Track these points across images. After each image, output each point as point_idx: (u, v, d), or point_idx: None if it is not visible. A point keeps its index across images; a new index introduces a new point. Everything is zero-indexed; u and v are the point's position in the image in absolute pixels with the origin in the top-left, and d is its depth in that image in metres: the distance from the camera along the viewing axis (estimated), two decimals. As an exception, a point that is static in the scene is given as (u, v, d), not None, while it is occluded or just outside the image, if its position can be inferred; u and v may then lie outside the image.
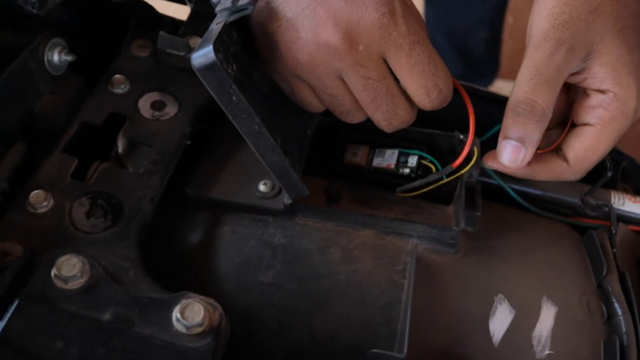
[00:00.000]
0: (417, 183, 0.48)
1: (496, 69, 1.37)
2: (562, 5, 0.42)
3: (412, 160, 0.50)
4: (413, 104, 0.43)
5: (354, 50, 0.39)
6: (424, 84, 0.41)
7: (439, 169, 0.50)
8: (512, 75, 0.70)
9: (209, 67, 0.37)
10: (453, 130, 0.51)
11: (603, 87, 0.42)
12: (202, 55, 0.36)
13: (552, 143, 0.47)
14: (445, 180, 0.48)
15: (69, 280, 0.37)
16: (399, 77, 0.41)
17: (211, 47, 0.36)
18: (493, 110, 0.57)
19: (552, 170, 0.46)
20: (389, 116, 0.43)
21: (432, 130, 0.51)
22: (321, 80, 0.42)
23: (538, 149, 0.44)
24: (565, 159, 0.45)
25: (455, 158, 0.51)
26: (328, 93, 0.42)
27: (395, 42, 0.39)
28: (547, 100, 0.42)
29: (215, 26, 0.38)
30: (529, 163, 0.44)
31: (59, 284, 0.37)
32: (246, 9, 0.38)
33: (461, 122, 0.53)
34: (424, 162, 0.50)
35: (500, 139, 0.44)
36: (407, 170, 0.50)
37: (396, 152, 0.50)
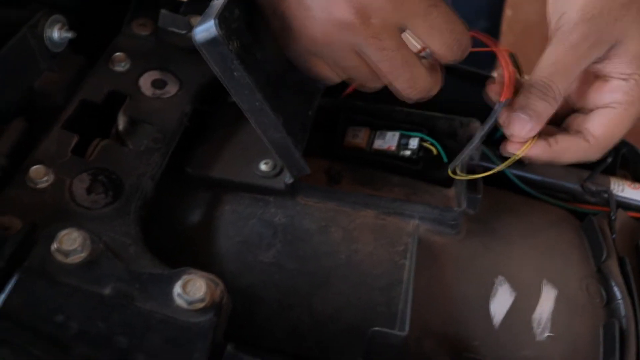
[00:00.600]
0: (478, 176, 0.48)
1: (494, 61, 1.37)
2: (596, 0, 0.43)
3: (413, 143, 0.50)
4: (433, 71, 0.43)
5: (367, 24, 0.39)
6: (445, 41, 0.41)
7: (440, 151, 0.50)
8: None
9: (211, 42, 0.36)
10: (453, 114, 0.51)
11: (622, 75, 0.45)
12: (205, 29, 0.36)
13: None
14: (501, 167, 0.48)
15: (69, 254, 0.37)
16: (421, 39, 0.41)
17: (212, 21, 0.36)
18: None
19: (575, 152, 0.47)
20: (408, 85, 0.42)
21: (433, 113, 0.51)
22: (337, 56, 0.42)
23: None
24: (586, 139, 0.47)
25: (456, 141, 0.51)
26: (345, 66, 0.42)
27: (409, 11, 0.39)
28: (561, 87, 0.44)
29: (217, 1, 0.38)
30: (551, 146, 0.46)
31: (59, 257, 0.37)
32: None
33: (461, 107, 0.53)
34: (425, 144, 0.50)
35: (512, 111, 0.45)
36: (408, 153, 0.50)
37: (397, 134, 0.50)
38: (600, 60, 0.45)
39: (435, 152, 0.50)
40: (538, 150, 0.47)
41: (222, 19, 0.37)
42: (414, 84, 0.43)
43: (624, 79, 0.45)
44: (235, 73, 0.38)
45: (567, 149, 0.47)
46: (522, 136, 0.46)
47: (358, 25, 0.39)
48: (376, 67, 0.42)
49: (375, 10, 0.39)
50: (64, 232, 0.37)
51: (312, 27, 0.40)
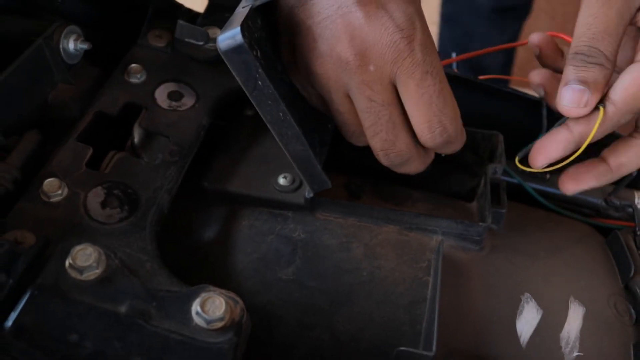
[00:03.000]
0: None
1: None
2: None
3: None
4: (417, 142, 0.41)
5: (364, 69, 0.38)
6: (429, 117, 0.39)
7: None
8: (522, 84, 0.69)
9: (235, 49, 0.35)
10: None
11: None
12: (230, 37, 0.35)
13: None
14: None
15: (84, 270, 0.36)
16: (405, 105, 0.40)
17: (239, 28, 0.35)
18: (508, 107, 0.56)
19: (598, 176, 0.44)
20: (386, 146, 0.41)
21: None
22: (330, 94, 0.41)
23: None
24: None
25: (477, 154, 0.50)
26: (336, 109, 0.42)
27: (407, 69, 0.38)
28: (608, 47, 0.39)
29: (242, 10, 0.37)
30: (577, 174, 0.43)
31: (73, 274, 0.35)
32: None
33: (483, 120, 0.52)
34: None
35: (560, 86, 0.40)
36: None
37: None
38: None
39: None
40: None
41: (246, 27, 0.36)
42: (390, 147, 0.41)
43: None
44: (259, 82, 0.37)
45: (590, 174, 0.44)
46: (582, 110, 0.39)
47: (355, 67, 0.38)
48: (361, 118, 0.41)
49: (375, 56, 0.38)
50: (78, 247, 0.36)
51: (314, 59, 0.39)
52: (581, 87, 0.39)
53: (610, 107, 0.39)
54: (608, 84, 0.39)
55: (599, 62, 0.39)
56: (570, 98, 0.39)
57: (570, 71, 0.39)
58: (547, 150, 0.42)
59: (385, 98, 0.39)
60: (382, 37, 0.38)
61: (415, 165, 0.43)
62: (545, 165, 0.42)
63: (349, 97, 0.41)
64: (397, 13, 0.38)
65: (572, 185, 0.44)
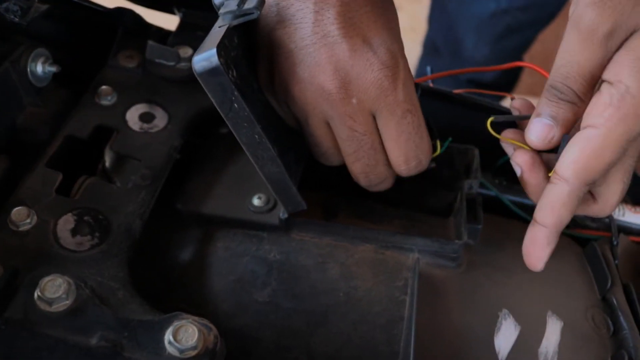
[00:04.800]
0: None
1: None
2: None
3: None
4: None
5: (346, 101, 0.39)
6: (406, 152, 0.41)
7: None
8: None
9: (211, 72, 0.35)
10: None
11: (616, 78, 0.36)
12: (205, 58, 0.34)
13: None
14: None
15: (53, 302, 0.35)
16: (384, 138, 0.41)
17: (214, 50, 0.34)
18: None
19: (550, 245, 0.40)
20: (368, 170, 0.42)
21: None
22: (307, 118, 0.41)
23: None
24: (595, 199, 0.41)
25: (452, 169, 0.50)
26: (310, 132, 0.42)
27: (389, 106, 0.39)
28: (581, 87, 0.37)
29: (218, 29, 0.36)
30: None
31: (42, 306, 0.35)
32: (252, 13, 0.36)
33: (458, 134, 0.52)
34: None
35: (532, 117, 0.39)
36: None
37: None
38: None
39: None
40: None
41: (223, 47, 0.36)
42: (371, 171, 0.42)
43: (614, 84, 0.36)
44: (235, 105, 0.36)
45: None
46: (546, 144, 0.39)
47: (337, 99, 0.39)
48: (342, 145, 0.42)
49: (358, 90, 0.38)
50: (47, 278, 0.35)
51: (293, 83, 0.39)
52: (550, 122, 0.39)
53: (564, 186, 0.37)
54: (576, 121, 0.39)
55: (571, 100, 0.38)
56: (538, 132, 0.39)
57: (543, 104, 0.39)
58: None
59: (367, 128, 0.40)
60: (367, 72, 0.38)
61: (388, 183, 0.45)
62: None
63: (326, 123, 0.41)
64: (382, 49, 0.38)
65: (536, 262, 0.41)
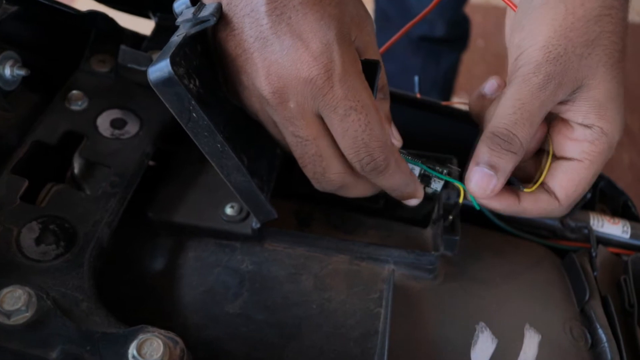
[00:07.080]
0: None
1: None
2: (559, 37, 0.39)
3: None
4: (353, 170, 0.40)
5: (284, 106, 0.37)
6: (355, 149, 0.37)
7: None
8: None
9: (166, 82, 0.34)
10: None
11: (587, 122, 0.41)
12: (159, 69, 0.34)
13: (527, 175, 0.44)
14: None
15: (12, 314, 0.34)
16: (334, 135, 0.38)
17: (168, 60, 0.33)
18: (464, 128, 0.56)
19: (544, 209, 0.43)
20: (317, 176, 0.40)
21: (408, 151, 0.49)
22: (262, 123, 0.40)
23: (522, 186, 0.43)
24: (555, 197, 0.43)
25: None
26: (272, 132, 0.41)
27: (328, 105, 0.36)
28: (526, 136, 0.40)
29: (176, 38, 0.36)
30: (520, 199, 0.43)
31: (0, 319, 0.34)
32: (208, 20, 0.36)
33: (438, 143, 0.51)
34: None
35: (471, 165, 0.41)
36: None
37: None
38: (563, 103, 0.41)
39: None
40: (504, 206, 0.43)
41: (182, 56, 0.35)
42: (320, 177, 0.40)
43: (587, 126, 0.41)
44: (193, 114, 0.35)
45: (535, 204, 0.43)
46: (487, 194, 0.41)
47: (274, 105, 0.37)
48: (290, 149, 0.39)
49: (293, 93, 0.36)
50: (6, 290, 0.34)
51: (241, 91, 0.38)
52: (490, 172, 0.40)
53: (554, 204, 0.43)
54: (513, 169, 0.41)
55: (513, 151, 0.40)
56: (478, 182, 0.40)
57: (484, 152, 0.40)
58: (490, 194, 0.41)
59: (310, 133, 0.37)
60: (299, 72, 0.35)
61: (359, 190, 0.41)
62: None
63: (277, 126, 0.39)
64: (314, 43, 0.35)
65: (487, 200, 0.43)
